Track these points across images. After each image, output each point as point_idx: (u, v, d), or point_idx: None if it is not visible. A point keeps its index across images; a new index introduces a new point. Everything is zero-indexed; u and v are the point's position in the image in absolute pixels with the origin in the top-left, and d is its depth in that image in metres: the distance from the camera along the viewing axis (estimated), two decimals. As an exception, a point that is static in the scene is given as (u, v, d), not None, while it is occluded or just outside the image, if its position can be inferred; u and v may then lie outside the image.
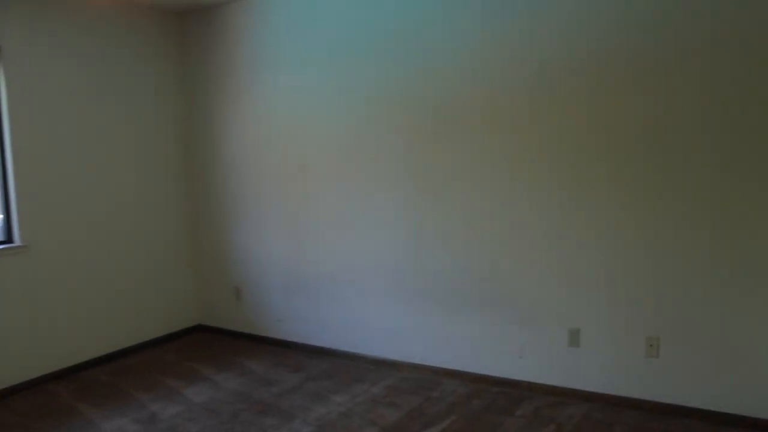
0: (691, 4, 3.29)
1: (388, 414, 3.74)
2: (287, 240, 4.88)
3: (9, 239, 4.28)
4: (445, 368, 4.25)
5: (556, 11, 3.62)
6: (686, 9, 3.30)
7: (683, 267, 3.47)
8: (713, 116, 3.31)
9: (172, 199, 5.33)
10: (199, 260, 5.52)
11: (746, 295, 3.34)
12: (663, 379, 3.59)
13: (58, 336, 4.50)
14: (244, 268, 5.19)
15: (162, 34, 5.19)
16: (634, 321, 3.63)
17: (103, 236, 4.79)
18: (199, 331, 5.57)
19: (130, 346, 5.01)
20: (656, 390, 3.61)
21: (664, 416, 3.57)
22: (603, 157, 3.59)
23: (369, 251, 4.47)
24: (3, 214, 4.28)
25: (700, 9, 3.27)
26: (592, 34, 3.55)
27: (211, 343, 5.24)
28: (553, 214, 3.78)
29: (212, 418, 3.77)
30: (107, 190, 4.81)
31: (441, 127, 4.06)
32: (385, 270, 4.42)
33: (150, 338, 5.17)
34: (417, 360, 4.36)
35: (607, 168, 3.59)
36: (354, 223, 4.51)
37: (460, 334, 4.17)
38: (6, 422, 3.83)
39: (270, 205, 4.93)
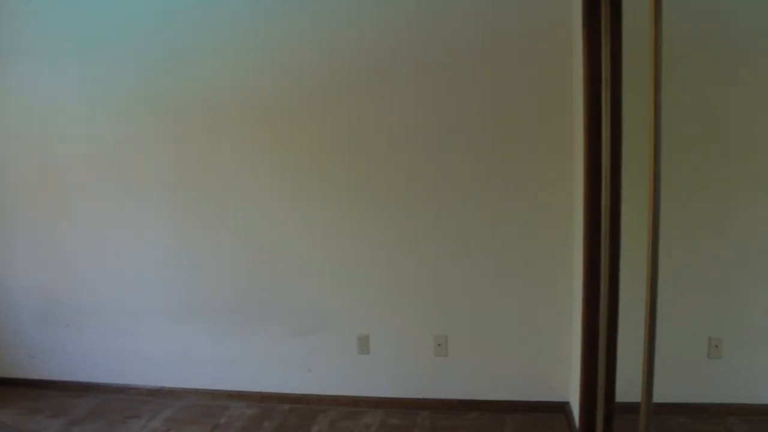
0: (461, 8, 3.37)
1: (169, 451, 3.36)
2: (40, 263, 4.17)
3: None
4: (231, 390, 3.93)
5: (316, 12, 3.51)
6: (457, 11, 3.38)
7: (467, 267, 3.55)
8: (490, 117, 3.42)
9: None
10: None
11: (510, 294, 3.54)
12: (452, 377, 3.65)
13: None
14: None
15: None
16: (423, 322, 3.64)
17: None
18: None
19: None
20: (447, 388, 3.66)
21: (456, 412, 3.62)
22: (383, 165, 3.55)
23: (139, 272, 3.96)
24: None
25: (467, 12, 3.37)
26: (360, 35, 3.49)
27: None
28: (332, 221, 3.64)
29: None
30: None
31: (210, 134, 3.72)
32: (158, 291, 3.96)
33: None
34: (200, 385, 3.99)
35: (388, 175, 3.55)
36: (120, 243, 3.96)
37: (244, 353, 3.88)
38: None
39: (17, 223, 4.18)
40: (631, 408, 3.15)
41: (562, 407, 3.55)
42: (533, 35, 3.32)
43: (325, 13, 3.49)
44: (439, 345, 3.64)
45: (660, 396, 2.36)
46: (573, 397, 3.35)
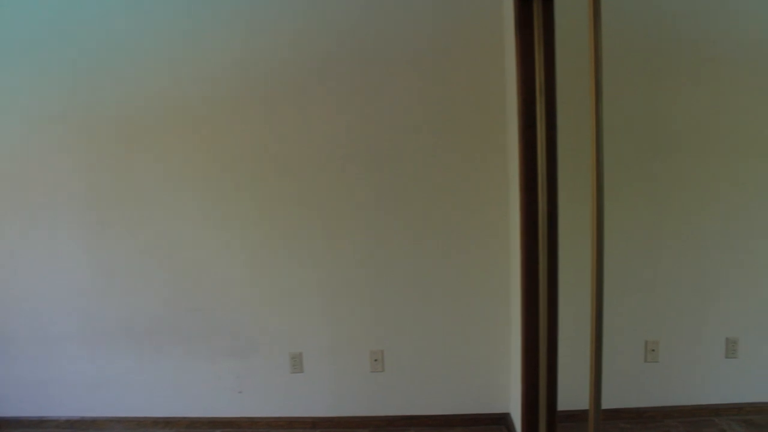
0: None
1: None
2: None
3: None
4: (158, 417, 3.69)
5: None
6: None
7: (403, 281, 3.45)
8: (423, 131, 3.33)
9: None
10: None
11: (447, 306, 3.44)
12: (390, 393, 3.54)
13: None
14: None
15: None
16: (358, 337, 3.52)
17: None
18: None
19: None
20: (385, 404, 3.55)
21: (395, 428, 3.51)
22: (312, 180, 3.41)
23: (51, 295, 3.67)
24: None
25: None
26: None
27: None
28: (261, 239, 3.47)
29: None
30: None
31: (128, 145, 3.47)
32: (75, 315, 3.66)
33: None
34: (124, 413, 3.72)
35: (318, 191, 3.41)
36: (31, 264, 3.67)
37: (171, 377, 3.65)
38: None
39: None
40: (573, 416, 3.13)
41: (503, 418, 3.49)
42: (466, 43, 3.26)
43: (241, 22, 3.33)
44: (376, 360, 3.53)
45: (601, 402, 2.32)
46: (514, 408, 3.30)
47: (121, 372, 3.68)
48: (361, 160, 3.37)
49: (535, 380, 2.94)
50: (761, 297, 3.28)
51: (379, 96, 3.32)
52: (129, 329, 3.63)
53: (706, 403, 3.32)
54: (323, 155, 3.38)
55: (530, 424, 3.02)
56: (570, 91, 2.87)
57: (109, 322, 3.64)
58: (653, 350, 3.30)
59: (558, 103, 2.71)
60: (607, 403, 2.99)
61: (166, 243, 3.52)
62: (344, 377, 3.56)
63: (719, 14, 3.14)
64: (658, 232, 3.25)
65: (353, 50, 3.31)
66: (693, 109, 3.19)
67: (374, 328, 3.51)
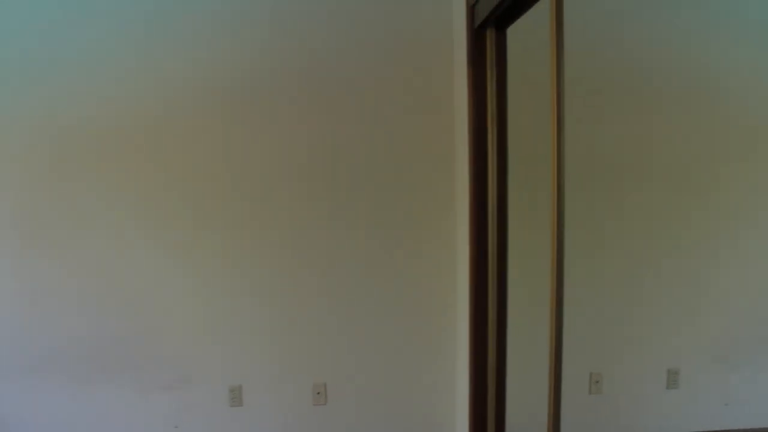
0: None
1: None
2: None
3: None
4: (84, 455, 3.47)
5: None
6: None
7: (346, 311, 3.38)
8: (372, 159, 3.30)
9: None
10: None
11: (392, 336, 3.40)
12: (333, 425, 3.44)
13: None
14: None
15: None
16: (300, 369, 3.40)
17: None
18: None
19: None
20: (325, 438, 3.45)
21: (335, 465, 3.41)
22: (253, 207, 3.32)
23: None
24: None
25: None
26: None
27: None
28: (201, 266, 3.32)
29: None
30: None
31: (60, 161, 3.26)
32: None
33: None
34: (44, 451, 3.48)
35: (261, 218, 3.31)
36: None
37: (101, 411, 3.41)
38: None
39: None
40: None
41: (449, 451, 3.44)
42: (417, 69, 3.27)
43: (189, 31, 3.24)
44: (318, 393, 3.42)
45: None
46: (460, 440, 3.26)
47: (43, 406, 3.43)
48: (311, 189, 3.30)
49: (483, 409, 2.91)
50: (698, 328, 3.36)
51: (331, 122, 3.28)
52: (53, 360, 3.39)
53: (649, 434, 3.37)
54: (267, 179, 3.29)
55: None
56: (524, 120, 2.91)
57: (31, 353, 3.39)
58: (597, 382, 3.32)
59: (509, 133, 2.74)
60: (552, 435, 2.98)
61: (104, 271, 3.31)
62: (285, 410, 3.43)
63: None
64: (601, 268, 3.30)
65: (315, 68, 3.27)
66: (633, 141, 3.27)
67: (318, 358, 3.40)
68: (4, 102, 3.22)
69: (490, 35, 2.65)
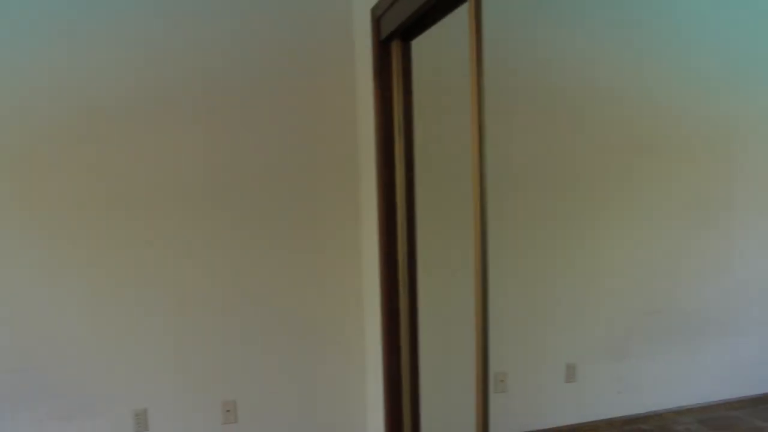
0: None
1: None
2: None
3: None
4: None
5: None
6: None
7: (256, 327, 3.32)
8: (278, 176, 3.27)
9: None
10: None
11: (302, 349, 3.38)
12: (242, 444, 3.37)
13: None
14: None
15: None
16: (209, 387, 3.30)
17: None
18: None
19: None
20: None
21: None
22: (150, 223, 3.19)
23: None
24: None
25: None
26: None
27: None
28: (96, 286, 3.13)
29: None
30: None
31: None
32: None
33: None
34: None
35: (164, 235, 3.19)
36: None
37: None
38: None
39: None
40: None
41: (362, 461, 3.46)
42: (319, 78, 3.29)
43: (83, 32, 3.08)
44: (228, 411, 3.33)
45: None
46: (374, 448, 3.28)
47: None
48: (212, 204, 3.23)
49: (398, 418, 2.95)
50: (592, 324, 3.59)
51: (228, 131, 3.22)
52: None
53: (551, 426, 3.53)
54: (164, 193, 3.18)
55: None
56: (437, 128, 3.01)
57: None
58: (502, 381, 3.46)
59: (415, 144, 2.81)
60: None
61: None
62: (195, 430, 3.32)
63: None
64: (504, 271, 3.44)
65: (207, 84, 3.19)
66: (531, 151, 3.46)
67: (226, 376, 3.31)
68: None
69: (396, 47, 2.71)
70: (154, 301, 3.21)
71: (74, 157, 3.07)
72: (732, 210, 3.72)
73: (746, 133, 3.66)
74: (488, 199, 2.02)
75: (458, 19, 2.19)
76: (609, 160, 3.57)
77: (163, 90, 3.14)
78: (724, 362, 3.71)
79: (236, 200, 3.26)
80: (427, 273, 2.94)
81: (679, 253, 3.69)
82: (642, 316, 3.63)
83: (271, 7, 3.24)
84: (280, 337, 3.37)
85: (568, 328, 3.56)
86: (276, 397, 3.39)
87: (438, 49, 2.84)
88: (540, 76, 3.44)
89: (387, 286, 2.90)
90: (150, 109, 3.13)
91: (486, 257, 1.97)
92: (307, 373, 3.42)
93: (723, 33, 3.61)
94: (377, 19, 2.73)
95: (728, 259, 3.76)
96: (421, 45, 2.71)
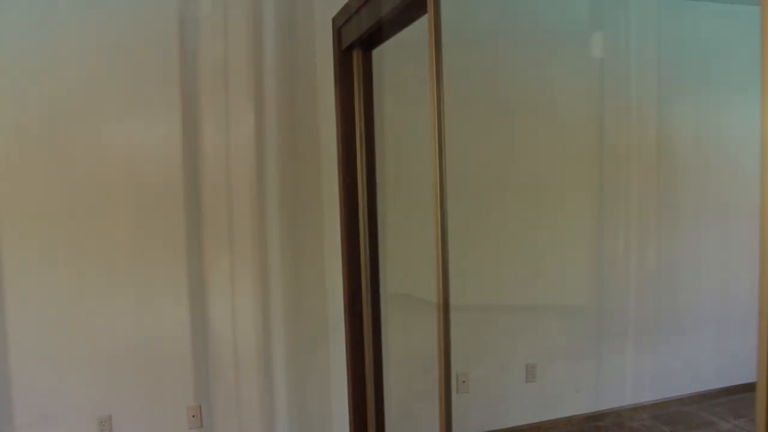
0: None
1: None
2: None
3: None
4: None
5: None
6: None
7: (215, 328, 3.34)
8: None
9: None
10: None
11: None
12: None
13: None
14: None
15: None
16: (172, 392, 3.30)
17: None
18: None
19: None
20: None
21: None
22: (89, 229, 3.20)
23: None
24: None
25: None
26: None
27: None
28: (51, 285, 3.12)
29: None
30: None
31: None
32: None
33: None
34: None
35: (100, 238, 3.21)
36: None
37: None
38: None
39: None
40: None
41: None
42: (282, 86, 3.33)
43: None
44: (193, 416, 3.34)
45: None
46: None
47: None
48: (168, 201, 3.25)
49: (363, 415, 3.00)
50: (551, 325, 3.69)
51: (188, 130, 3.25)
52: None
53: (512, 425, 3.62)
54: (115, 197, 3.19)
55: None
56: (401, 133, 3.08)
57: None
58: (464, 381, 3.54)
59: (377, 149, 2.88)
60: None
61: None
62: (162, 435, 3.32)
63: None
64: (464, 273, 3.52)
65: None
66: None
67: (190, 379, 3.32)
68: None
69: (357, 56, 2.77)
70: (111, 304, 3.20)
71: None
72: (682, 214, 3.87)
73: (688, 141, 3.85)
74: (448, 201, 2.09)
75: (418, 28, 2.27)
76: (564, 165, 3.69)
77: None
78: (677, 360, 3.85)
79: (199, 207, 3.28)
80: (390, 275, 3.01)
81: (632, 255, 3.83)
82: (598, 317, 3.75)
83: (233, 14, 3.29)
84: (243, 341, 3.40)
85: (527, 328, 3.66)
86: (242, 400, 3.41)
87: (399, 57, 2.92)
88: (498, 85, 3.55)
89: (350, 289, 2.95)
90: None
91: (447, 259, 2.04)
92: (271, 377, 3.44)
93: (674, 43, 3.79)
94: (338, 28, 2.80)
95: (679, 261, 3.91)
96: (382, 54, 2.79)
